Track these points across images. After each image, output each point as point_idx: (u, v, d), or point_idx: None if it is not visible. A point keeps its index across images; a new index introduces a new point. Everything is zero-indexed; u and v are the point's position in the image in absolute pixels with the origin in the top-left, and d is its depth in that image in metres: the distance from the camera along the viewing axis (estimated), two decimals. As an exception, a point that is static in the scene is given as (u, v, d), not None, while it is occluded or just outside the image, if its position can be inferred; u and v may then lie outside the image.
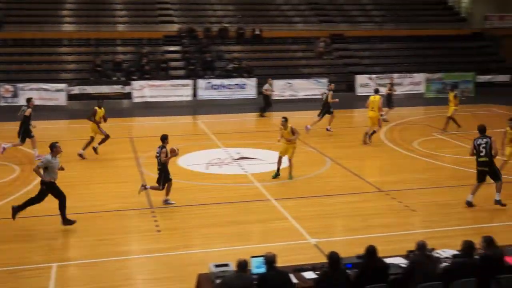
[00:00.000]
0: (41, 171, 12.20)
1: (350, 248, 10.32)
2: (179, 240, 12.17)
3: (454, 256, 8.99)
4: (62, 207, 12.25)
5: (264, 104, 26.41)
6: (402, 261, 8.98)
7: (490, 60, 35.95)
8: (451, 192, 15.26)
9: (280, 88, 30.10)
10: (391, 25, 36.59)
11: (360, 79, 31.40)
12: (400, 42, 35.66)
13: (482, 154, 13.54)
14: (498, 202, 13.73)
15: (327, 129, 22.13)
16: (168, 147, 13.90)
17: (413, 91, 31.96)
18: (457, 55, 35.44)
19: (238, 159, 18.52)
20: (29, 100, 18.68)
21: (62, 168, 12.62)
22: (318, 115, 22.40)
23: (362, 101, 30.11)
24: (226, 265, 8.47)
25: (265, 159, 18.35)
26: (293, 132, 15.77)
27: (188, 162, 18.04)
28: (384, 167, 17.89)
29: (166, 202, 14.07)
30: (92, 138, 18.52)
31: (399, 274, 8.56)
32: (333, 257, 8.12)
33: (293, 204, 14.28)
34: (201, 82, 29.78)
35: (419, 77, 32.44)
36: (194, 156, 18.83)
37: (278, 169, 16.20)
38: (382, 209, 14.02)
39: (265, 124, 25.52)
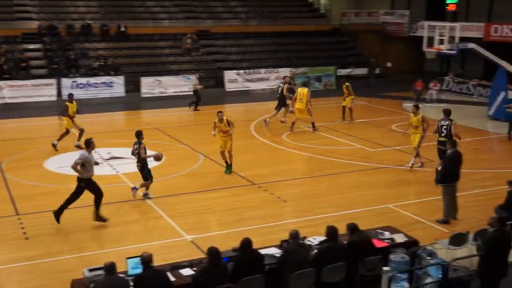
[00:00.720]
0: (79, 167, 12.27)
1: (226, 242, 10.50)
2: (50, 246, 11.75)
3: (321, 242, 9.47)
4: (98, 202, 12.65)
5: (196, 99, 26.48)
6: (276, 251, 9.31)
7: (349, 54, 37.87)
8: (319, 182, 16.05)
9: (149, 86, 29.85)
10: (255, 21, 37.39)
11: (228, 74, 31.79)
12: (265, 38, 36.51)
13: (442, 134, 15.34)
14: None
15: (281, 121, 22.79)
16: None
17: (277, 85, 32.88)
18: (319, 50, 36.92)
19: (108, 159, 18.11)
20: None
21: (97, 163, 13.07)
22: (275, 109, 23.00)
23: (231, 96, 30.77)
24: (100, 268, 8.32)
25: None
26: (228, 124, 16.29)
27: (56, 164, 17.39)
28: (256, 160, 18.32)
29: (144, 194, 14.38)
30: (68, 131, 19.04)
31: (273, 264, 8.87)
32: (213, 252, 8.25)
33: (167, 202, 14.28)
34: (66, 81, 28.64)
35: (284, 72, 33.38)
36: (62, 158, 18.13)
37: (226, 162, 16.59)
38: (255, 201, 14.43)
39: (135, 123, 25.15)
